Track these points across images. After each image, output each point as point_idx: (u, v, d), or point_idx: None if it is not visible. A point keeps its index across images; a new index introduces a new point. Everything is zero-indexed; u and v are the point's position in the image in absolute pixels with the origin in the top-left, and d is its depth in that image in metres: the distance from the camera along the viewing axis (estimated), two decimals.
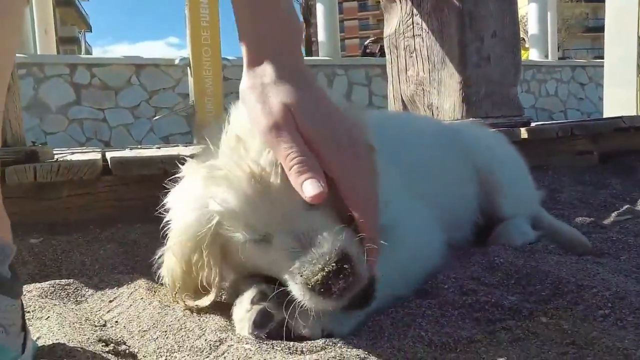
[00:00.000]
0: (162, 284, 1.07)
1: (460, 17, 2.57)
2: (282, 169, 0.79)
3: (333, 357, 0.75)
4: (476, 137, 1.59)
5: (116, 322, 1.07)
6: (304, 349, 0.81)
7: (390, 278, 0.97)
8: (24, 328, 0.79)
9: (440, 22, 2.62)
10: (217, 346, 0.84)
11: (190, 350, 0.86)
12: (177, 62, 6.12)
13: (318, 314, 0.82)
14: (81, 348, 0.85)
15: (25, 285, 1.24)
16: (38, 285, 1.24)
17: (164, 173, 1.58)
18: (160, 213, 1.00)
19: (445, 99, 2.66)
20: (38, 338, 0.93)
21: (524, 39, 12.46)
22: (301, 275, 0.77)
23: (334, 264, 0.75)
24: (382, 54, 10.06)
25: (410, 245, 1.04)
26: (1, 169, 1.54)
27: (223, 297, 1.06)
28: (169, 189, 0.99)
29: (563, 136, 2.58)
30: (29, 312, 1.08)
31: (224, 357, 0.80)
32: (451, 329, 0.90)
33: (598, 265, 1.19)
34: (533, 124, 2.85)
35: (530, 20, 11.21)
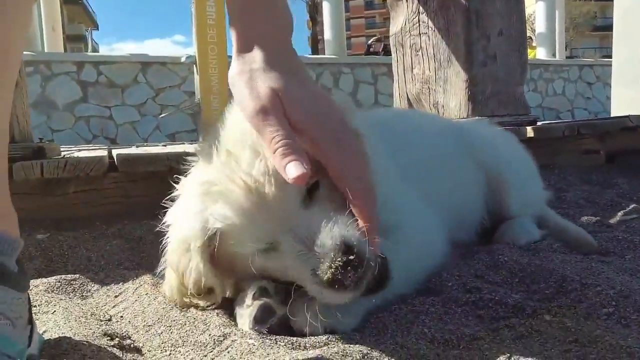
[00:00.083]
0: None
1: (467, 15, 2.56)
2: (275, 177, 0.80)
3: (336, 353, 0.75)
4: (484, 135, 1.58)
5: (121, 316, 1.08)
6: (307, 345, 0.82)
7: (397, 278, 0.97)
8: (31, 321, 0.80)
9: (447, 20, 2.62)
10: (221, 341, 0.85)
11: (194, 345, 0.86)
12: (183, 60, 6.12)
13: (321, 311, 0.83)
14: (86, 342, 0.86)
15: (32, 280, 1.25)
16: (45, 280, 1.25)
17: (169, 170, 1.59)
18: (166, 209, 1.01)
19: (451, 97, 2.66)
20: (44, 332, 0.94)
21: (531, 37, 12.40)
22: (313, 277, 0.79)
23: (339, 259, 0.76)
24: (386, 52, 10.04)
25: (413, 243, 1.04)
26: (9, 165, 1.56)
27: (228, 294, 1.07)
28: (174, 185, 1.00)
29: (569, 135, 2.56)
30: (35, 306, 1.10)
31: (228, 352, 0.80)
32: (454, 326, 0.90)
33: (603, 264, 1.19)
34: (539, 123, 2.84)
35: (537, 18, 11.15)
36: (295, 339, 0.84)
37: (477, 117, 2.54)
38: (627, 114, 2.90)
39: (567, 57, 13.36)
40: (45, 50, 7.98)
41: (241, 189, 0.81)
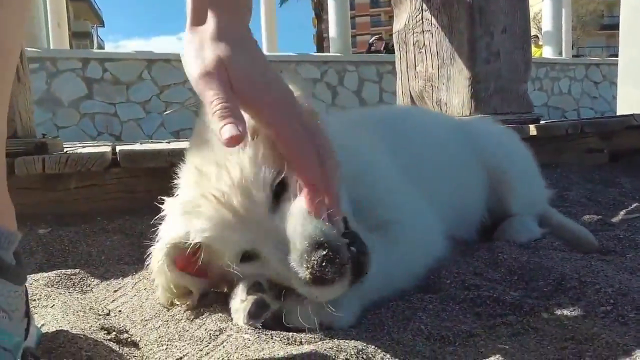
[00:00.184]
0: None
1: (470, 12, 2.55)
2: (241, 187, 0.84)
3: (330, 348, 0.75)
4: (486, 133, 1.57)
5: (120, 311, 1.08)
6: (302, 340, 0.82)
7: (391, 272, 0.97)
8: (27, 314, 0.80)
9: (450, 17, 2.60)
10: (217, 336, 0.85)
11: (190, 339, 0.87)
12: None
13: (316, 306, 0.83)
14: (83, 335, 0.86)
15: (32, 275, 1.26)
16: (45, 274, 1.26)
17: (171, 166, 1.59)
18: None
19: (454, 95, 2.65)
20: (42, 325, 0.94)
21: (537, 36, 12.33)
22: (297, 279, 0.79)
23: (314, 258, 0.76)
24: (388, 51, 10.01)
25: (411, 239, 1.04)
26: (9, 160, 1.56)
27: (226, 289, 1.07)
28: (175, 180, 1.01)
29: (573, 134, 2.55)
30: (34, 300, 1.10)
31: (223, 347, 0.81)
32: (451, 323, 0.90)
33: (603, 262, 1.18)
34: (543, 122, 2.83)
35: (544, 17, 11.09)
36: (290, 334, 0.84)
37: (480, 115, 2.52)
38: (632, 113, 2.88)
39: (573, 56, 13.28)
40: (51, 47, 8.01)
41: (213, 204, 0.85)
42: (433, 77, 2.72)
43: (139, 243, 1.53)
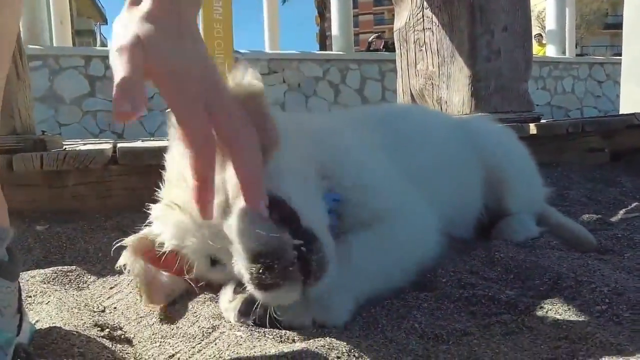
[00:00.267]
0: None
1: (471, 10, 2.54)
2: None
3: (322, 346, 0.75)
4: (486, 132, 1.57)
5: (115, 308, 1.08)
6: (295, 338, 0.82)
7: (383, 266, 0.97)
8: (20, 311, 0.80)
9: (451, 15, 2.59)
10: (210, 333, 0.85)
11: (183, 336, 0.87)
12: None
13: (309, 304, 0.83)
14: (76, 332, 0.87)
15: (29, 271, 1.26)
16: (41, 271, 1.26)
17: None
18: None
19: (454, 93, 2.64)
20: (36, 322, 0.94)
21: (541, 34, 12.29)
22: (248, 284, 0.79)
23: (252, 267, 0.75)
24: (387, 49, 9.98)
25: (402, 232, 1.04)
26: (7, 156, 1.57)
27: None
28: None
29: (574, 133, 2.54)
30: (30, 296, 1.11)
31: (215, 344, 0.81)
32: (445, 322, 0.90)
33: (600, 261, 1.17)
34: (544, 121, 2.81)
35: (548, 15, 11.05)
36: (283, 332, 0.83)
37: (480, 114, 2.52)
38: (634, 112, 2.87)
39: (577, 55, 13.23)
40: (54, 45, 8.02)
41: (175, 213, 0.90)
42: (433, 75, 2.71)
43: None
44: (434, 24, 2.66)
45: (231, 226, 0.79)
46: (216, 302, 0.97)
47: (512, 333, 0.85)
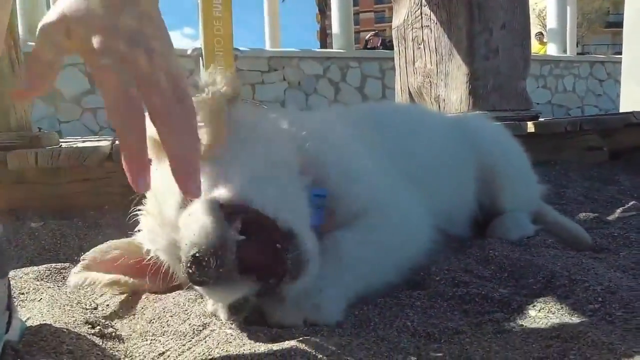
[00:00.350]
0: None
1: (469, 8, 2.53)
2: (156, 195, 0.91)
3: (312, 344, 0.75)
4: (481, 130, 1.56)
5: (107, 305, 1.08)
6: (285, 336, 0.81)
7: (372, 260, 0.96)
8: (9, 308, 0.79)
9: (449, 13, 2.58)
10: (200, 331, 0.85)
11: (174, 334, 0.86)
12: (189, 52, 6.11)
13: (299, 303, 0.83)
14: (67, 329, 0.86)
15: (22, 268, 1.26)
16: (35, 268, 1.26)
17: None
18: None
19: (452, 91, 2.63)
20: (28, 319, 0.94)
21: (542, 33, 12.25)
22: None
23: (186, 261, 0.76)
24: (385, 47, 9.94)
25: (391, 225, 1.03)
26: (2, 153, 1.56)
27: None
28: None
29: (572, 131, 2.53)
30: (23, 293, 1.10)
31: (205, 342, 0.80)
32: (438, 320, 0.90)
33: (595, 260, 1.17)
34: (542, 119, 2.80)
35: (549, 14, 11.02)
36: (274, 330, 0.83)
37: (477, 112, 2.51)
38: (633, 110, 2.85)
39: (579, 54, 13.20)
40: None
41: (147, 218, 0.96)
42: (431, 73, 2.70)
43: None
44: (432, 21, 2.65)
45: (180, 221, 0.82)
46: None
47: (504, 332, 0.85)
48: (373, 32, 12.00)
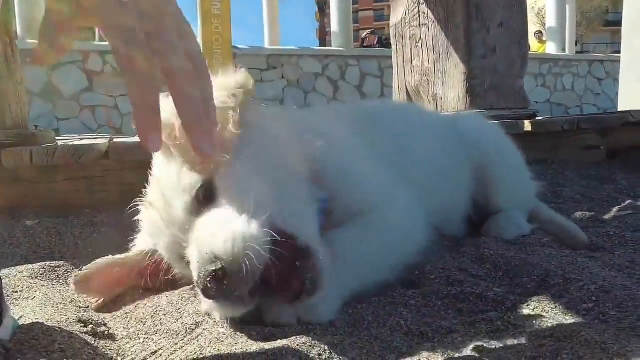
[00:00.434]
0: None
1: (467, 6, 2.52)
2: (164, 197, 0.90)
3: (304, 343, 0.74)
4: (477, 129, 1.56)
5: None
6: (278, 335, 0.81)
7: (367, 258, 0.96)
8: (1, 306, 0.79)
9: (447, 11, 2.58)
10: (193, 329, 0.85)
11: (167, 333, 0.86)
12: None
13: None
14: (59, 328, 0.86)
15: (17, 266, 1.25)
16: (29, 266, 1.25)
17: None
18: None
19: (449, 89, 2.63)
20: (21, 317, 0.93)
21: (541, 31, 12.25)
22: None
23: (203, 270, 0.73)
24: (382, 45, 9.91)
25: (387, 223, 1.03)
26: None
27: None
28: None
29: (569, 130, 2.52)
30: (17, 292, 1.10)
31: (197, 340, 0.80)
32: (432, 319, 0.89)
33: (590, 259, 1.17)
34: (540, 118, 2.80)
35: (548, 13, 11.02)
36: (267, 329, 0.83)
37: (475, 110, 2.50)
38: (630, 109, 2.85)
39: (578, 52, 13.19)
40: None
41: (150, 215, 0.94)
42: (429, 71, 2.70)
43: (127, 236, 1.52)
44: (429, 19, 2.65)
45: (201, 224, 0.80)
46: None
47: (497, 331, 0.85)
48: (369, 30, 11.96)
